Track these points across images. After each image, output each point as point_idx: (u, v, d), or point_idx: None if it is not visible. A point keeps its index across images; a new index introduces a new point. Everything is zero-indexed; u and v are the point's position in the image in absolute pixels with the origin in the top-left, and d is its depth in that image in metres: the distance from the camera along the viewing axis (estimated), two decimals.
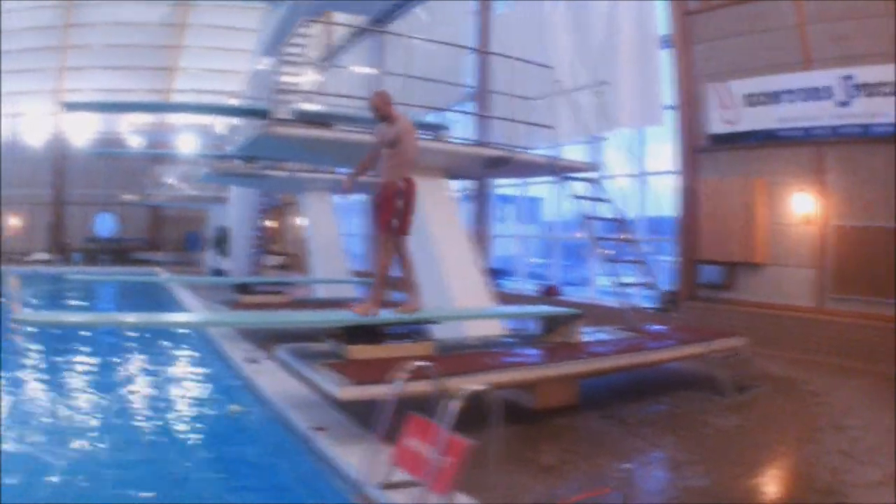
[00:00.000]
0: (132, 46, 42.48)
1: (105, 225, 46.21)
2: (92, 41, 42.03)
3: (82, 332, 15.97)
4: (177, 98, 43.79)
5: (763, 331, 13.18)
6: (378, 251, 9.33)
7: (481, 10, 22.02)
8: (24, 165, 44.72)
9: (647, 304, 14.17)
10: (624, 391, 9.92)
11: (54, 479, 7.10)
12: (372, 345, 8.57)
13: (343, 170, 20.03)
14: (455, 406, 5.21)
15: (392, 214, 8.95)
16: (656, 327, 12.07)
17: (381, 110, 9.02)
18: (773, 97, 14.23)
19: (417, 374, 6.12)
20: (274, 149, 13.70)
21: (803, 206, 13.82)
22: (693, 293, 15.64)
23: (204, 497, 6.81)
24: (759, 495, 6.27)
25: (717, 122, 15.13)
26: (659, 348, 10.30)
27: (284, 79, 17.94)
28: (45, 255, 42.95)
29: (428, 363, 6.28)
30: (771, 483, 6.72)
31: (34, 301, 25.32)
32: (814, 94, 13.54)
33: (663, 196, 17.05)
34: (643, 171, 17.63)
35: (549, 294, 18.99)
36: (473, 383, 5.75)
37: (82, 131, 44.26)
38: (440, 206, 12.66)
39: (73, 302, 25.07)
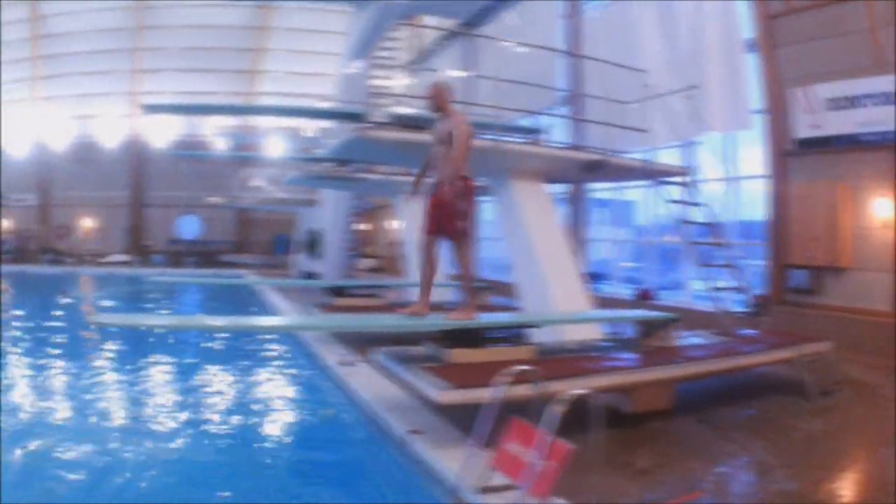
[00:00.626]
0: (211, 49, 43.11)
1: (189, 227, 46.94)
2: (166, 44, 42.82)
3: (171, 335, 16.44)
4: (261, 101, 44.13)
5: (846, 335, 13.04)
6: (457, 256, 8.98)
7: (571, 14, 22.08)
8: (100, 167, 45.78)
9: (738, 309, 14.12)
10: (716, 395, 10.03)
11: (142, 479, 7.44)
12: (472, 349, 8.60)
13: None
14: (559, 410, 5.26)
15: (458, 217, 8.60)
16: (748, 332, 12.02)
17: (438, 103, 8.80)
18: (853, 101, 14.21)
19: (520, 378, 6.15)
20: (368, 152, 13.85)
21: (884, 211, 13.79)
22: (782, 297, 15.66)
23: (299, 500, 7.11)
24: (841, 499, 6.39)
25: (803, 127, 15.13)
26: (751, 353, 10.32)
27: (376, 82, 18.21)
28: (122, 257, 43.76)
29: (530, 367, 6.31)
30: (852, 487, 6.79)
31: (111, 303, 25.93)
32: (889, 98, 13.54)
33: (755, 200, 16.95)
34: (734, 175, 17.60)
35: (644, 298, 19.01)
36: (575, 387, 5.79)
37: (162, 133, 44.97)
38: (539, 211, 12.84)
39: (156, 304, 25.48)
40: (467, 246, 8.79)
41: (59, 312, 22.76)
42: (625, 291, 20.81)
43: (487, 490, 5.85)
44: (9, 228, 47.38)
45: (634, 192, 21.95)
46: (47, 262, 43.19)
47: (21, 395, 11.12)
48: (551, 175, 13.82)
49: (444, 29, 26.15)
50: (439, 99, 8.76)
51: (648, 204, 20.75)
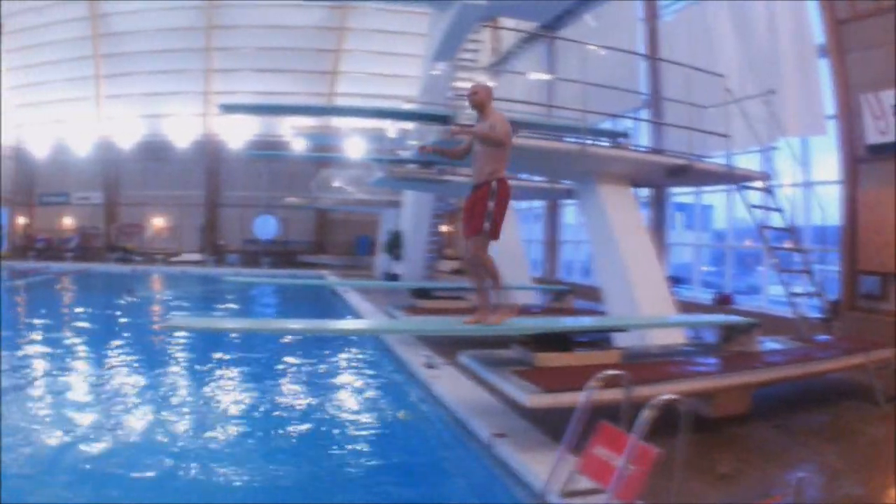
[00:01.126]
0: (287, 49, 43.32)
1: (266, 227, 47.08)
2: (240, 44, 43.30)
3: (250, 337, 16.63)
4: (340, 102, 44.20)
5: None
6: (473, 254, 8.68)
7: (648, 17, 22.14)
8: (172, 166, 46.50)
9: (812, 314, 14.09)
10: (788, 399, 10.15)
11: (227, 479, 7.75)
12: (560, 352, 8.72)
13: (524, 176, 20.42)
14: (649, 415, 5.34)
15: (484, 217, 8.37)
16: (822, 337, 12.13)
17: (480, 103, 8.63)
18: None
19: (608, 383, 6.28)
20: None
21: None
22: (853, 303, 15.64)
23: (381, 501, 7.36)
24: None
25: (873, 132, 15.04)
26: (826, 358, 10.40)
27: (460, 84, 18.34)
28: (195, 256, 44.42)
29: (619, 371, 6.43)
30: None
31: (184, 302, 26.37)
32: None
33: (829, 205, 16.85)
34: (809, 181, 17.53)
35: (723, 303, 19.21)
36: (661, 392, 5.84)
37: (237, 133, 45.47)
38: (626, 215, 12.98)
39: (231, 305, 25.68)
40: (485, 248, 8.57)
41: (128, 311, 23.03)
42: (703, 296, 20.76)
43: (572, 494, 5.99)
44: (72, 226, 48.30)
45: (712, 196, 21.89)
46: (115, 261, 43.97)
47: (93, 397, 11.43)
48: (636, 179, 13.96)
49: (524, 31, 26.23)
50: (480, 98, 8.66)
51: (725, 208, 20.70)
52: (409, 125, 23.42)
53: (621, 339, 9.98)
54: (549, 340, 8.87)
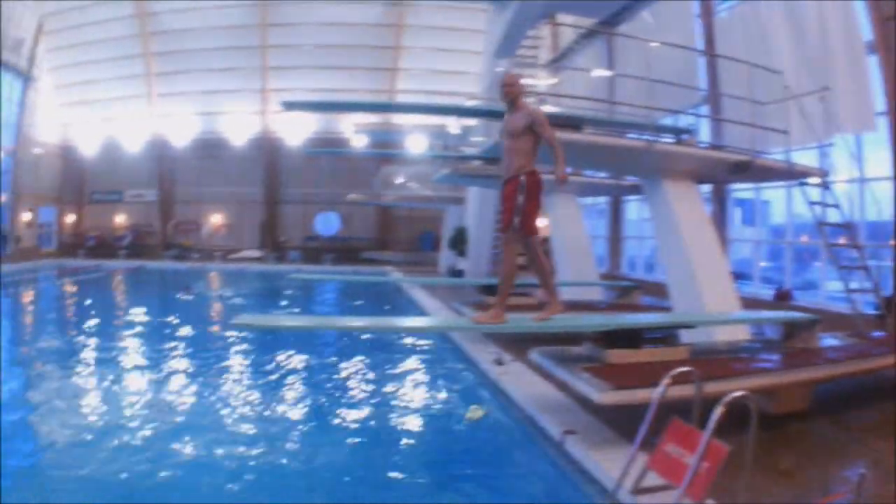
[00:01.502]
0: (345, 47, 43.43)
1: (328, 224, 47.35)
2: (296, 41, 43.55)
3: (313, 335, 16.93)
4: (401, 98, 44.25)
5: None
6: (504, 250, 8.58)
7: (703, 14, 22.23)
8: (230, 164, 46.96)
9: (868, 310, 14.09)
10: (845, 396, 10.23)
11: (293, 477, 8.05)
12: (630, 349, 8.82)
13: (590, 172, 20.56)
14: (719, 411, 5.39)
15: (513, 212, 8.22)
16: (877, 333, 12.18)
17: (516, 94, 8.44)
18: None
19: (678, 379, 6.37)
20: None
21: None
22: None
23: (451, 499, 7.54)
24: None
25: None
26: (883, 354, 10.39)
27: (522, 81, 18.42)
28: (254, 253, 44.75)
29: (689, 368, 6.53)
30: None
31: (244, 300, 26.78)
32: None
33: (883, 201, 16.82)
34: (863, 177, 17.48)
35: (782, 299, 19.17)
36: (730, 389, 6.01)
37: (296, 130, 45.73)
38: (691, 211, 13.13)
39: (293, 302, 25.96)
40: (516, 244, 8.42)
41: (187, 309, 23.98)
42: (763, 292, 20.74)
43: (643, 491, 6.09)
44: (124, 224, 48.98)
45: (770, 192, 21.87)
46: (171, 258, 44.72)
47: (154, 397, 11.49)
48: (699, 175, 14.04)
49: (583, 27, 26.29)
50: (516, 90, 8.47)
51: (783, 204, 20.69)
52: (472, 121, 23.68)
53: (687, 336, 10.09)
54: (618, 337, 8.92)
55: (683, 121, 18.85)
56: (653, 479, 6.06)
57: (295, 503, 7.39)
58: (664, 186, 13.10)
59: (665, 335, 9.42)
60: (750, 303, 16.46)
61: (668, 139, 13.49)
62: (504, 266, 8.61)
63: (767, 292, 20.31)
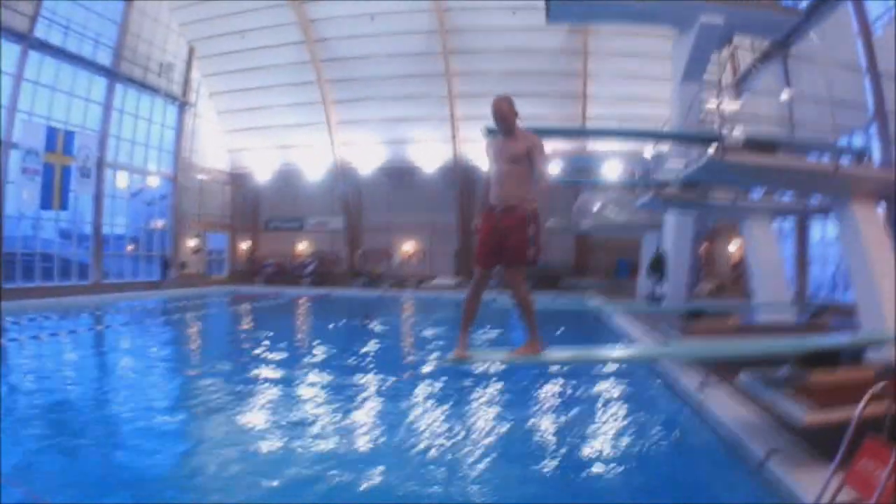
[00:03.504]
0: (531, 74, 43.76)
1: None
2: (480, 68, 44.20)
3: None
4: (591, 125, 44.71)
5: None
6: (514, 285, 8.27)
7: (862, 32, 22.14)
8: (419, 191, 48.19)
9: None
10: None
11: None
12: (829, 368, 8.83)
13: (785, 196, 20.71)
14: None
15: (527, 243, 7.99)
16: None
17: (510, 119, 8.26)
18: None
19: (876, 397, 6.62)
20: (722, 175, 14.51)
21: None
22: None
23: None
24: None
25: None
26: None
27: (711, 105, 18.76)
28: (449, 281, 45.53)
29: (883, 384, 6.79)
30: None
31: (440, 328, 27.24)
32: None
33: None
34: None
35: None
36: None
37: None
38: (873, 230, 13.27)
39: (491, 327, 25.27)
40: (523, 275, 8.26)
41: (372, 337, 24.39)
42: None
43: None
44: (305, 251, 50.73)
45: None
46: (359, 286, 45.84)
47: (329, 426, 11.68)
48: (880, 194, 14.19)
49: (759, 51, 26.41)
50: (512, 115, 8.28)
51: None
52: (666, 147, 24.01)
53: (876, 355, 10.24)
54: (817, 358, 9.08)
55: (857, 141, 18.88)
56: (849, 495, 6.19)
57: None
58: (850, 206, 13.37)
59: (855, 355, 9.58)
60: None
61: (846, 159, 13.62)
62: (523, 298, 8.34)
63: None
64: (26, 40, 32.36)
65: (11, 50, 32.16)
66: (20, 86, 32.71)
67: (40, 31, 33.69)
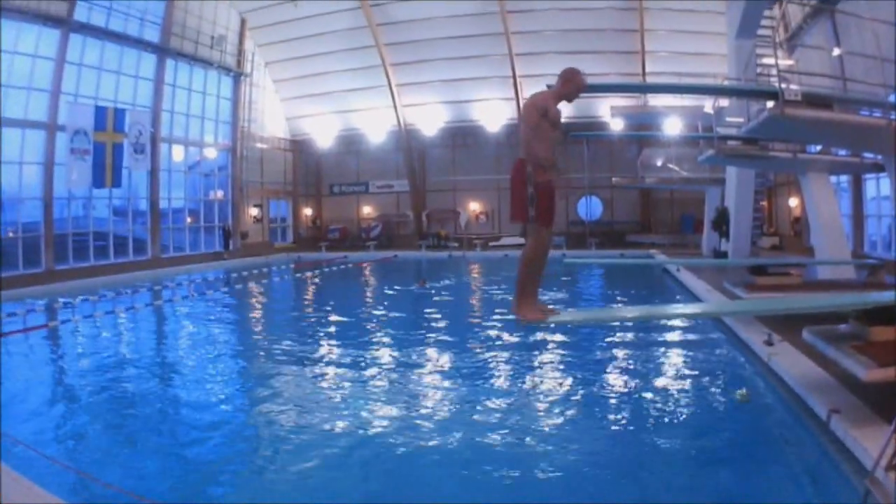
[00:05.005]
0: (589, 31, 43.17)
1: (590, 208, 47.89)
2: (538, 27, 43.75)
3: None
4: (651, 81, 43.86)
5: None
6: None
7: None
8: (484, 150, 48.63)
9: None
10: None
11: (555, 460, 8.59)
12: (891, 326, 8.68)
13: (843, 152, 20.64)
14: None
15: (527, 201, 7.29)
16: None
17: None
18: None
19: None
20: (784, 130, 14.61)
21: None
22: None
23: (715, 475, 8.10)
24: None
25: None
26: None
27: (767, 60, 18.66)
28: (517, 240, 44.03)
29: None
30: None
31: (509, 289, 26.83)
32: None
33: None
34: None
35: None
36: None
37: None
38: None
39: (561, 289, 26.00)
40: (534, 234, 7.53)
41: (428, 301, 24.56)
42: None
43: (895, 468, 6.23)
44: (371, 215, 50.90)
45: None
46: (427, 247, 46.09)
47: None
48: None
49: (809, 4, 26.13)
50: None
51: None
52: (726, 102, 23.96)
53: None
54: (879, 314, 8.90)
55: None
56: None
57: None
58: None
59: None
60: None
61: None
62: (523, 254, 7.75)
63: None
64: (66, 24, 32.35)
65: (52, 35, 32.09)
66: (63, 69, 32.74)
67: (81, 15, 33.55)
